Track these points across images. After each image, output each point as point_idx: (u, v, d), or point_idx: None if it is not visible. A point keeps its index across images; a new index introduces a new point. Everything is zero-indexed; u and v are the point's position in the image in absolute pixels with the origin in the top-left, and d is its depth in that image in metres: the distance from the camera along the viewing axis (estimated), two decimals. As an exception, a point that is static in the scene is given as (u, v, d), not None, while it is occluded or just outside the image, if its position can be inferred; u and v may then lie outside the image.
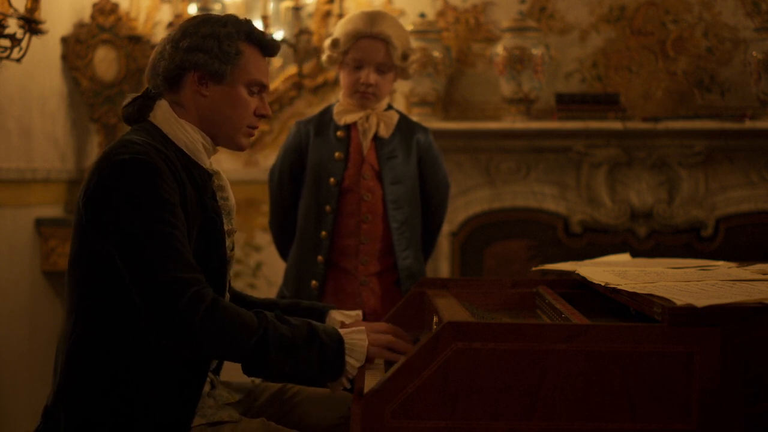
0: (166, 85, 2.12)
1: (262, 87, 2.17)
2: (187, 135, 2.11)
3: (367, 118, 3.06)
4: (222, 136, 2.16)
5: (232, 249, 2.23)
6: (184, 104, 2.12)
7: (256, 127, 2.19)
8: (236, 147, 2.19)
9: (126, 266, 1.93)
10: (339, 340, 2.03)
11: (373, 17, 3.00)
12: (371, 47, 2.98)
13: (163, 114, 2.12)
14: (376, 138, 3.07)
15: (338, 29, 3.05)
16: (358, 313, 2.31)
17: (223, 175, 2.21)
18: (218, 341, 1.94)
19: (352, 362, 2.03)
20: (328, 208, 3.04)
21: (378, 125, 3.06)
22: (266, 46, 2.19)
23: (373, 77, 2.98)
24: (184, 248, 1.95)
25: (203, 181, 2.11)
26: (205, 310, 1.92)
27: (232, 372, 2.54)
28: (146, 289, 1.92)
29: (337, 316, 2.29)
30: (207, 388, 2.16)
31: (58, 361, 2.05)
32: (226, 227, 2.15)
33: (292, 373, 2.02)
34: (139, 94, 2.16)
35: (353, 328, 2.09)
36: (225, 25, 2.13)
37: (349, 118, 3.06)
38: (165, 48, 2.12)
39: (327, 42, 3.06)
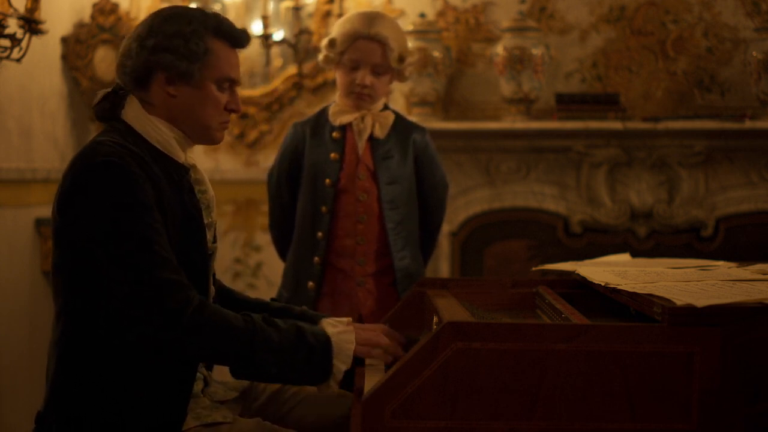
0: (134, 83, 2.10)
1: (233, 82, 2.14)
2: (159, 132, 2.08)
3: (363, 118, 3.06)
4: (194, 134, 2.13)
5: (214, 242, 2.21)
6: (153, 102, 2.10)
7: (227, 121, 2.16)
8: (210, 141, 2.17)
9: (107, 271, 1.92)
10: (326, 342, 2.03)
11: (370, 18, 3.00)
12: (368, 48, 2.98)
13: (134, 111, 2.09)
14: (372, 138, 3.07)
15: (336, 29, 3.05)
16: (348, 320, 2.30)
17: (199, 168, 2.19)
18: (205, 345, 1.94)
19: (339, 365, 2.03)
20: (324, 209, 3.04)
21: (373, 126, 3.06)
22: (236, 38, 2.14)
23: (368, 78, 2.98)
24: (164, 250, 1.94)
25: (179, 176, 2.09)
26: (192, 313, 1.91)
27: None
28: (131, 293, 1.90)
29: (327, 327, 2.19)
30: (200, 386, 2.16)
31: (50, 366, 2.05)
32: (206, 220, 2.14)
33: (279, 376, 2.02)
34: (108, 90, 2.14)
35: (343, 329, 2.08)
36: (191, 22, 2.08)
37: (344, 119, 3.06)
38: (132, 46, 2.09)
39: (324, 42, 3.06)
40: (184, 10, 2.12)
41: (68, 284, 2.00)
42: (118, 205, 1.92)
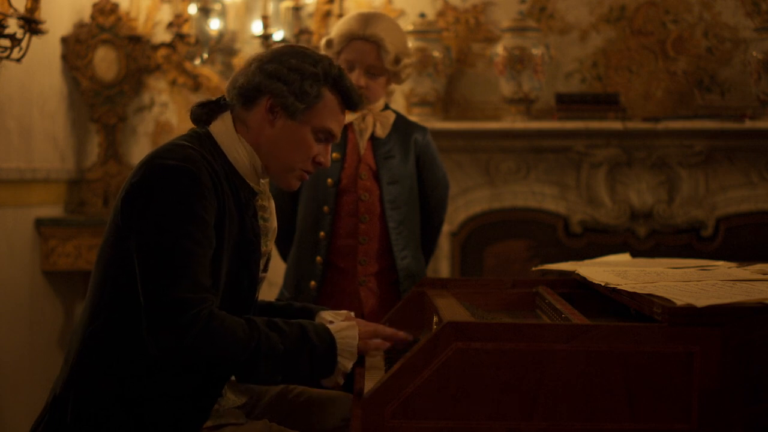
0: (239, 99, 2.10)
1: (330, 136, 2.14)
2: (239, 151, 2.08)
3: (364, 118, 3.06)
4: (274, 169, 2.13)
5: (265, 270, 2.21)
6: (249, 125, 2.09)
7: (310, 172, 2.15)
8: (284, 186, 2.16)
9: (140, 272, 1.92)
10: (330, 341, 2.03)
11: (368, 19, 3.00)
12: (362, 49, 2.97)
13: (224, 125, 2.10)
14: (373, 138, 3.07)
15: (334, 29, 3.06)
16: (348, 313, 2.30)
17: (269, 195, 2.19)
18: (209, 360, 1.94)
19: (345, 362, 2.04)
20: (326, 208, 3.04)
21: (374, 125, 3.06)
22: (349, 99, 2.15)
23: (362, 80, 2.98)
24: (199, 266, 1.92)
25: (247, 198, 2.09)
26: (197, 331, 1.89)
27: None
28: (150, 303, 1.90)
29: (326, 316, 2.25)
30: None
31: (72, 350, 2.04)
32: (262, 248, 2.14)
33: (285, 379, 2.03)
34: (214, 98, 2.14)
35: (345, 324, 2.09)
36: (315, 65, 2.08)
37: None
38: (251, 65, 2.10)
39: (323, 41, 3.07)
40: (314, 54, 2.13)
41: (113, 275, 1.99)
42: (172, 215, 1.92)
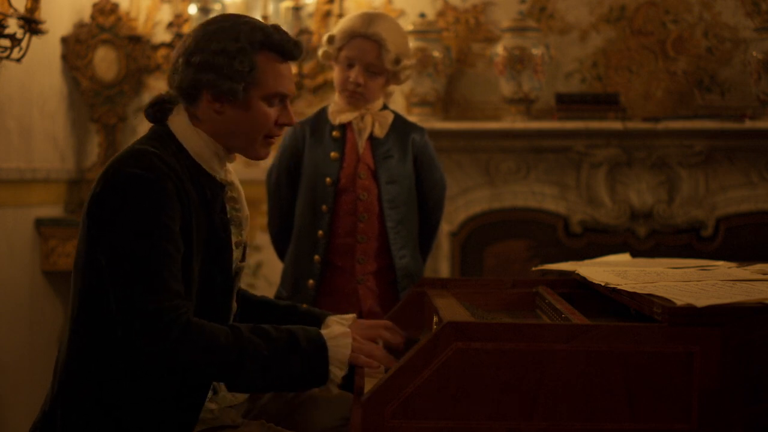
0: (182, 98, 2.08)
1: (283, 96, 2.10)
2: (200, 146, 2.07)
3: (362, 117, 3.07)
4: (239, 148, 2.12)
5: (242, 260, 2.20)
6: (200, 117, 2.08)
7: (276, 135, 2.13)
8: (254, 157, 2.14)
9: (111, 284, 1.92)
10: (322, 348, 1.99)
11: (371, 18, 3.02)
12: (363, 47, 2.99)
13: (179, 121, 2.08)
14: (372, 138, 3.07)
15: (337, 26, 3.08)
16: (353, 317, 2.30)
17: (237, 185, 2.18)
18: (191, 367, 1.93)
19: (336, 371, 2.00)
20: (324, 207, 3.04)
21: (373, 125, 3.07)
22: (286, 51, 2.08)
23: (361, 77, 2.99)
24: (170, 274, 1.91)
25: (213, 193, 2.08)
26: (175, 338, 1.88)
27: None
28: (123, 314, 1.90)
29: (333, 325, 2.21)
30: (209, 394, 2.15)
31: (58, 363, 2.04)
32: (235, 239, 2.13)
33: (273, 386, 2.00)
34: (161, 94, 2.12)
35: (340, 332, 2.05)
36: (237, 38, 2.03)
37: (344, 118, 3.07)
38: (179, 60, 2.07)
39: (325, 37, 3.08)
40: (232, 25, 2.06)
41: (88, 284, 1.99)
42: (139, 225, 1.91)
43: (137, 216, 1.92)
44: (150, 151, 1.99)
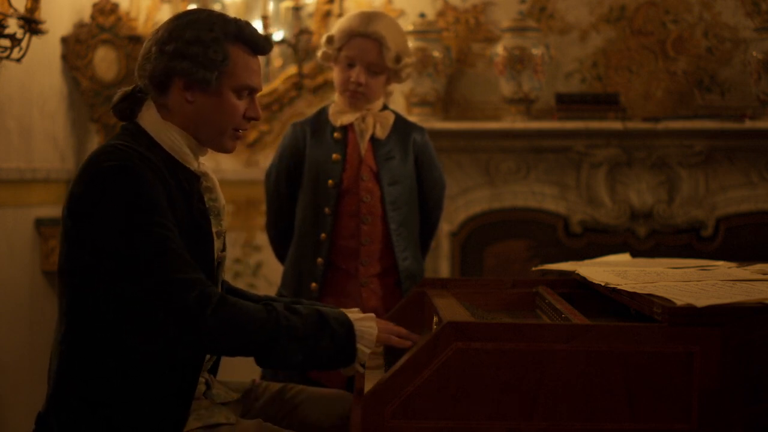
0: (153, 88, 2.09)
1: (252, 89, 2.13)
2: (172, 139, 2.08)
3: (363, 119, 3.05)
4: (207, 140, 2.12)
5: (223, 250, 2.21)
6: (170, 108, 2.09)
7: (244, 129, 2.15)
8: (222, 150, 2.15)
9: (125, 273, 1.92)
10: (349, 327, 2.03)
11: (370, 17, 3.00)
12: (363, 46, 2.98)
13: (149, 117, 2.09)
14: (373, 139, 3.06)
15: (336, 26, 3.07)
16: (358, 311, 2.31)
17: (211, 176, 2.18)
18: (230, 337, 1.94)
19: (363, 348, 2.04)
20: (327, 210, 3.03)
21: (374, 126, 3.05)
22: (257, 45, 2.11)
23: (362, 77, 2.98)
24: (181, 249, 1.94)
25: (190, 184, 2.08)
26: (214, 308, 1.91)
27: (231, 371, 2.54)
28: (151, 293, 1.91)
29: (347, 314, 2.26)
30: (202, 389, 2.16)
31: (52, 367, 2.05)
32: (215, 228, 2.13)
33: (305, 362, 2.01)
34: (128, 90, 2.13)
35: (363, 315, 2.10)
36: (212, 28, 2.05)
37: (345, 119, 3.05)
38: (152, 49, 2.07)
39: (324, 38, 3.07)
40: (206, 16, 2.09)
41: (74, 286, 2.00)
42: (131, 207, 1.92)
43: (127, 203, 1.92)
44: (124, 145, 2.00)
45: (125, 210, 1.93)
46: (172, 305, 1.90)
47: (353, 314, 2.10)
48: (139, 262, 1.91)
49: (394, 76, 3.05)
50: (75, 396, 1.98)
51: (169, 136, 2.08)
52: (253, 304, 2.00)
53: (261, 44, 2.12)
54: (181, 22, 2.08)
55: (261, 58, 2.18)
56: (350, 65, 3.00)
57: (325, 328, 2.01)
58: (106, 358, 1.98)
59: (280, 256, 3.22)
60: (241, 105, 2.11)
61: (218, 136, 2.12)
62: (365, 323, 2.07)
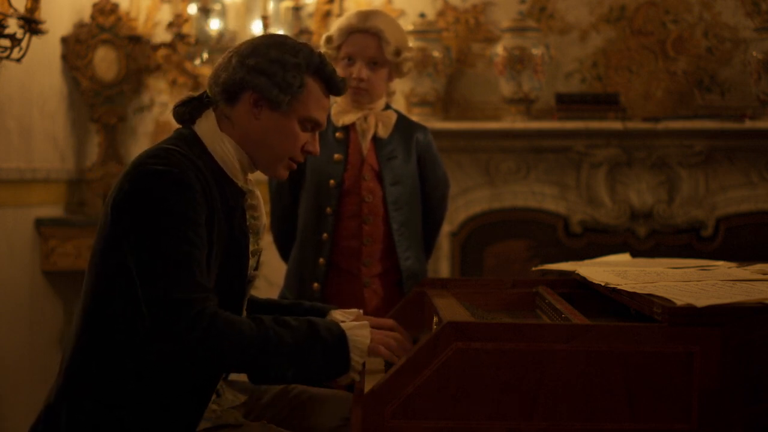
0: (223, 96, 2.08)
1: (317, 125, 2.13)
2: (225, 150, 2.08)
3: (365, 118, 3.05)
4: (262, 161, 2.13)
5: (256, 268, 2.20)
6: (234, 120, 2.09)
7: (299, 162, 2.15)
8: (273, 175, 2.16)
9: (139, 278, 1.93)
10: (341, 337, 2.02)
11: (366, 14, 3.01)
12: (363, 41, 2.98)
13: (207, 125, 2.09)
14: (375, 138, 3.06)
15: (333, 26, 3.07)
16: (359, 312, 2.31)
17: (256, 194, 2.18)
18: (218, 358, 1.94)
19: (357, 358, 2.02)
20: (328, 210, 3.03)
21: (376, 125, 3.05)
22: (333, 85, 2.13)
23: (364, 72, 2.98)
24: (198, 267, 1.93)
25: (235, 199, 2.08)
26: (203, 329, 1.89)
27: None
28: (151, 306, 1.91)
29: (337, 315, 2.27)
30: (213, 397, 2.15)
31: (65, 357, 2.04)
32: (251, 247, 2.13)
33: (297, 375, 2.00)
34: (195, 95, 2.13)
35: (356, 323, 2.08)
36: (296, 54, 2.07)
37: (347, 119, 3.05)
38: (231, 59, 2.08)
39: (323, 39, 3.07)
40: (294, 43, 2.11)
41: (105, 281, 1.99)
42: (165, 213, 1.92)
43: (164, 210, 1.92)
44: (175, 150, 2.00)
45: (158, 215, 1.92)
46: (166, 322, 1.89)
47: (347, 323, 2.08)
48: (153, 272, 1.91)
49: (395, 70, 3.05)
50: (88, 394, 1.98)
51: (223, 147, 2.08)
52: (244, 319, 1.98)
53: (338, 85, 2.14)
54: (269, 41, 2.10)
55: None
56: (351, 62, 2.99)
57: (316, 340, 1.99)
58: (123, 358, 1.97)
59: (285, 256, 3.22)
60: (303, 137, 2.12)
61: (274, 161, 2.13)
62: (358, 332, 2.04)
